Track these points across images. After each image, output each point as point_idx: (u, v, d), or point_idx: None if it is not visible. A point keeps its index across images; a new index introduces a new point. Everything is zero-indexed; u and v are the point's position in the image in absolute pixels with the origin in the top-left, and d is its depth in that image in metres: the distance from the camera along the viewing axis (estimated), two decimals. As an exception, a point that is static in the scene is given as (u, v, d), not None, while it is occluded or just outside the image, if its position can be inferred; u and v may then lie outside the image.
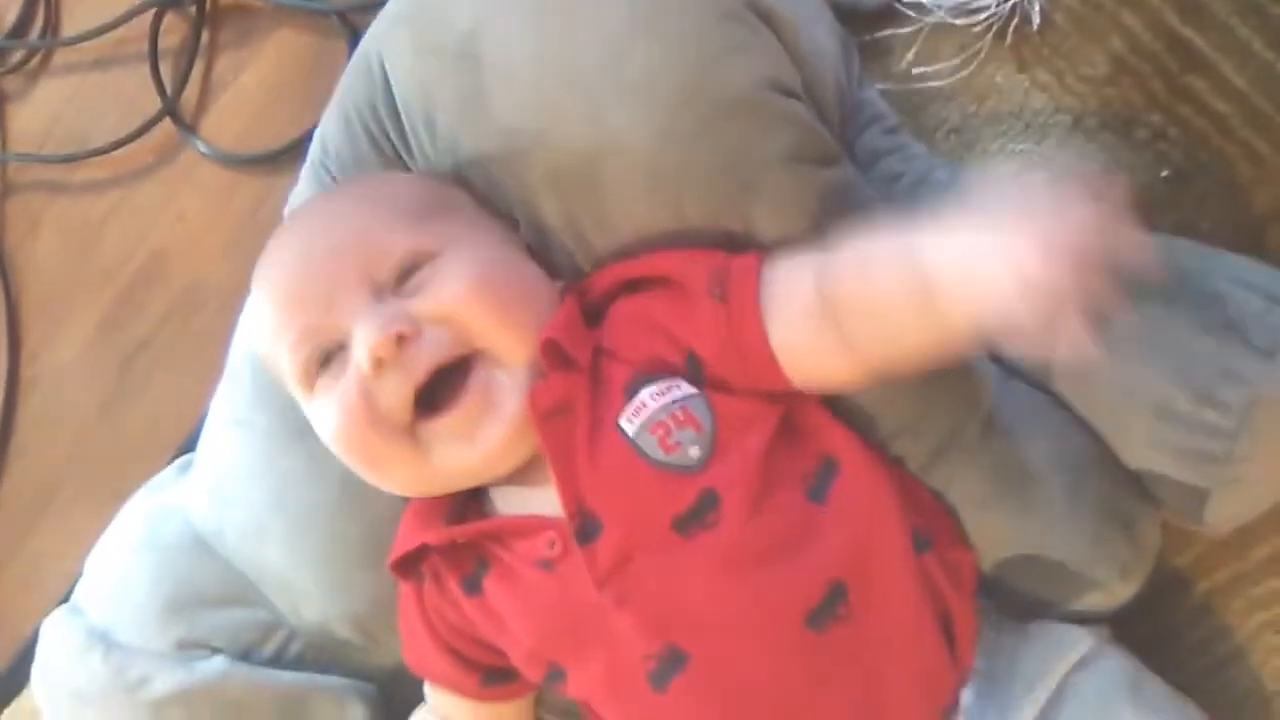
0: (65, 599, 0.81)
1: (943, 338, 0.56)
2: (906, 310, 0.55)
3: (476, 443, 0.62)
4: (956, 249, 0.53)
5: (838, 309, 0.58)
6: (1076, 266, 0.49)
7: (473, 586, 0.65)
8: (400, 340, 0.60)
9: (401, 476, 0.64)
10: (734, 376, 0.61)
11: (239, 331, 0.79)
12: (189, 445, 0.84)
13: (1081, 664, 0.64)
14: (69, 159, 1.01)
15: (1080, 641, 0.65)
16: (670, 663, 0.59)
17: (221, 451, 0.78)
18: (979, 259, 0.52)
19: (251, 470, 0.76)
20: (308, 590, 0.75)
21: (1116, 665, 0.65)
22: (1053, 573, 0.65)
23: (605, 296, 0.66)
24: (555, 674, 0.64)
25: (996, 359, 0.67)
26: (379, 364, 0.60)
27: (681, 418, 0.61)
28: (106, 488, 0.85)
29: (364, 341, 0.60)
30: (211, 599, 0.76)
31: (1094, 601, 0.66)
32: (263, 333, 0.67)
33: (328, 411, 0.63)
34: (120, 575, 0.78)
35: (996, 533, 0.66)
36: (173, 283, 0.99)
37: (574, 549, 0.60)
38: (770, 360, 0.60)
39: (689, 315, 0.62)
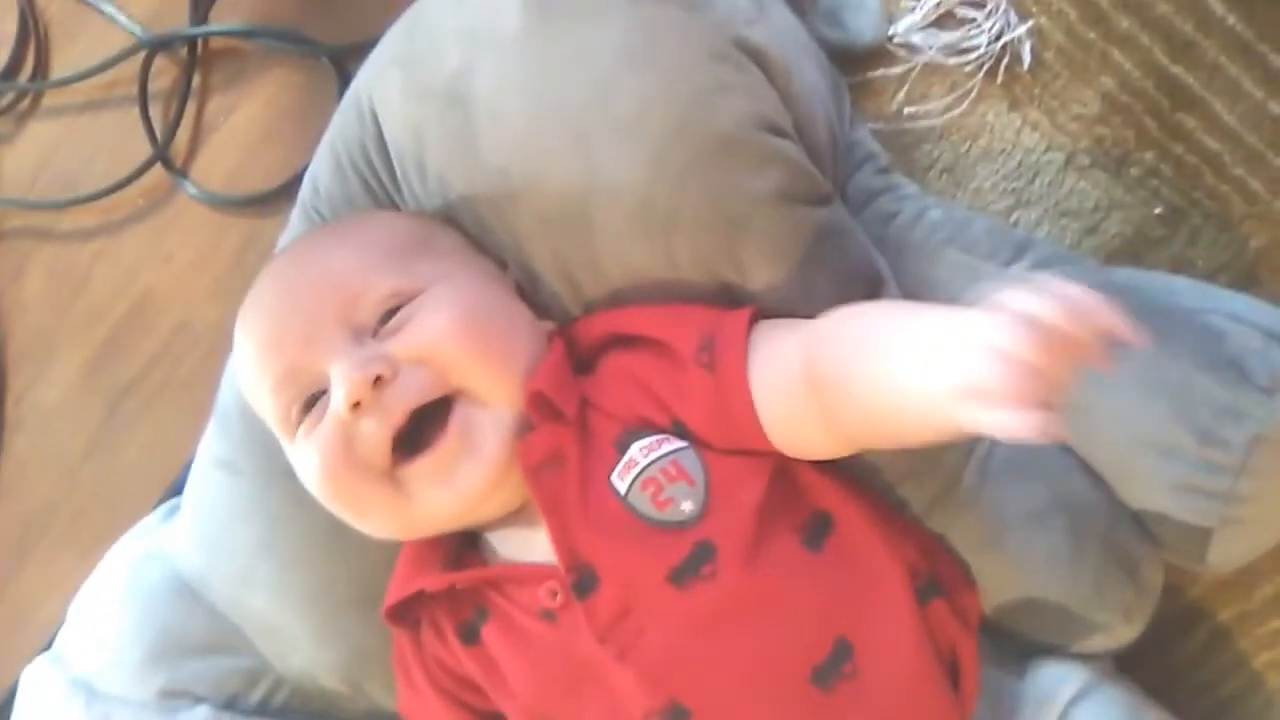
0: (49, 645, 0.80)
1: (921, 420, 0.53)
2: (889, 392, 0.53)
3: (455, 485, 0.61)
4: (930, 329, 0.51)
5: (822, 386, 0.57)
6: (1042, 342, 0.45)
7: (470, 636, 0.64)
8: (377, 382, 0.59)
9: (384, 520, 0.63)
10: (721, 442, 0.61)
11: (227, 374, 0.78)
12: (177, 489, 0.83)
13: (1081, 697, 0.63)
14: (57, 205, 1.01)
15: (1079, 675, 0.64)
16: (673, 718, 0.58)
17: (208, 495, 0.77)
18: (950, 335, 0.49)
19: (238, 514, 0.75)
20: (294, 637, 0.74)
21: (1115, 697, 0.64)
22: (1055, 615, 0.65)
23: (595, 347, 0.65)
24: None
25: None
26: (356, 407, 0.59)
27: (673, 473, 0.60)
28: (92, 531, 0.84)
29: (340, 384, 0.60)
30: (196, 646, 0.75)
31: (1097, 644, 0.66)
32: (245, 374, 0.66)
33: (308, 455, 0.62)
34: (103, 622, 0.77)
35: (997, 576, 0.65)
36: (161, 325, 0.98)
37: (574, 601, 0.59)
38: (757, 430, 0.59)
39: (676, 382, 0.61)
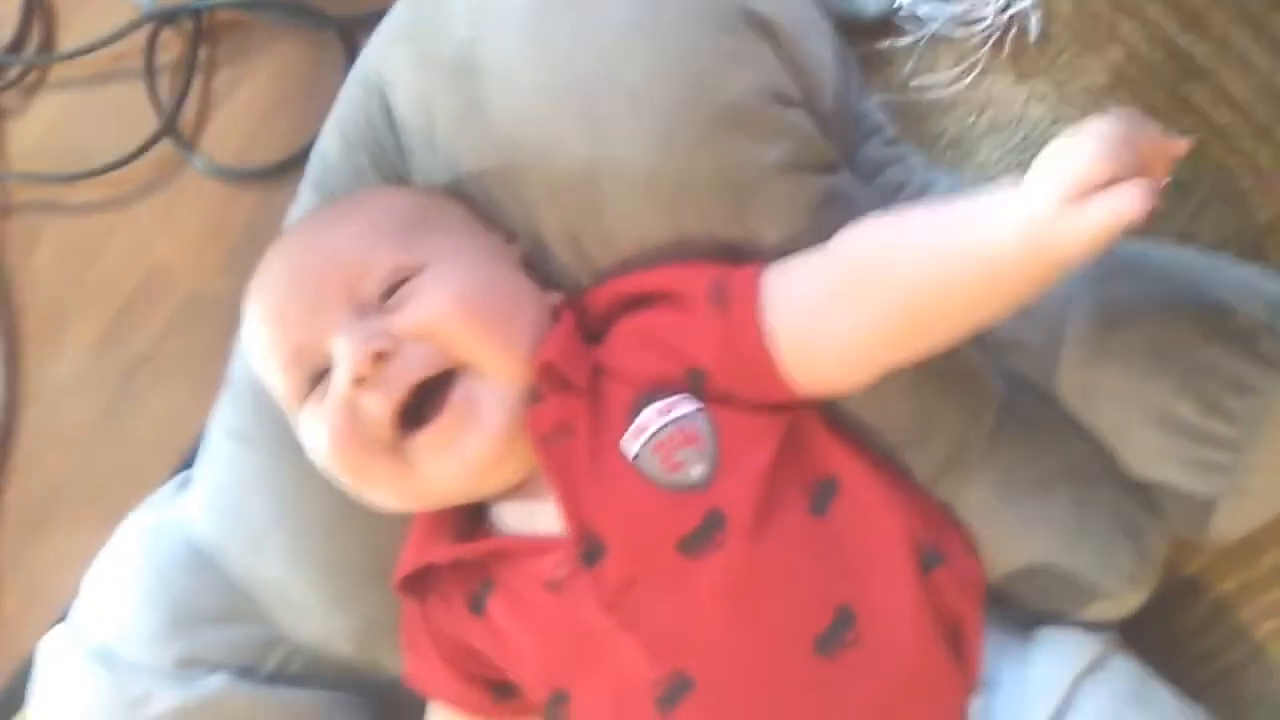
0: (65, 616, 0.80)
1: (969, 283, 0.54)
2: (963, 251, 0.54)
3: (459, 456, 0.61)
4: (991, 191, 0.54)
5: (866, 275, 0.57)
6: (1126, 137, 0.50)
7: (477, 606, 0.65)
8: (379, 358, 0.60)
9: (391, 492, 0.64)
10: (736, 386, 0.61)
11: (239, 345, 0.78)
12: (190, 460, 0.83)
13: (1090, 671, 0.63)
14: (67, 178, 1.01)
15: (1088, 648, 0.64)
16: (678, 687, 0.59)
17: (221, 465, 0.78)
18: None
19: (251, 484, 0.76)
20: (308, 605, 0.75)
21: (1125, 672, 0.64)
22: (1060, 583, 0.65)
23: (606, 314, 0.66)
24: (558, 698, 0.63)
25: (1002, 373, 0.67)
26: (359, 382, 0.60)
27: (683, 436, 0.60)
28: (107, 503, 0.84)
29: (343, 360, 0.60)
30: (211, 615, 0.76)
31: (1101, 611, 0.66)
32: (255, 353, 0.67)
33: (316, 430, 0.63)
34: (118, 593, 0.77)
35: (1003, 543, 0.65)
36: (172, 297, 0.99)
37: (581, 570, 0.60)
38: (770, 365, 0.59)
39: (689, 326, 0.61)
